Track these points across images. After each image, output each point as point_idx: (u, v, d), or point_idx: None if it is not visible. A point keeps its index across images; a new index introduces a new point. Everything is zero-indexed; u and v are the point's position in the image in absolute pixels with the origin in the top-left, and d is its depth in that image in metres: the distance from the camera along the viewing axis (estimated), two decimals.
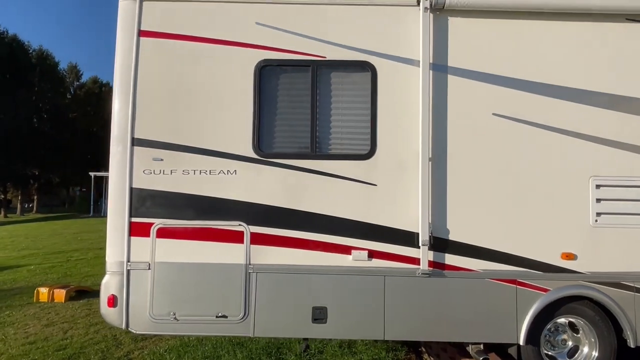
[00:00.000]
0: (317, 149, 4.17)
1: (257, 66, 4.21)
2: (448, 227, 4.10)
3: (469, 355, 4.80)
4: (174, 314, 4.04)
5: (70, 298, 9.03)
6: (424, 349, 6.11)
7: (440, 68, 4.19)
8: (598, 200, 4.11)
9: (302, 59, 4.22)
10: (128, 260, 4.08)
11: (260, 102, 4.19)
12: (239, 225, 4.10)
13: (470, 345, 4.25)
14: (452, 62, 4.20)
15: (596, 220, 4.10)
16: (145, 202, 4.13)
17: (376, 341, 6.22)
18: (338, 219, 4.10)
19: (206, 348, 6.24)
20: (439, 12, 4.20)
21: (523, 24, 4.20)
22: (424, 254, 4.03)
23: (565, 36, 4.20)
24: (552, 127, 4.14)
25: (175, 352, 6.16)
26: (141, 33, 4.24)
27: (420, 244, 4.03)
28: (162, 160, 4.15)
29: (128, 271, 4.08)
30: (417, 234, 4.06)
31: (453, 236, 4.09)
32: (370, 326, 4.06)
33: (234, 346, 6.25)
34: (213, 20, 4.25)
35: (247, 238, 4.09)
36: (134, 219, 4.12)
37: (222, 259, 4.08)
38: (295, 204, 4.12)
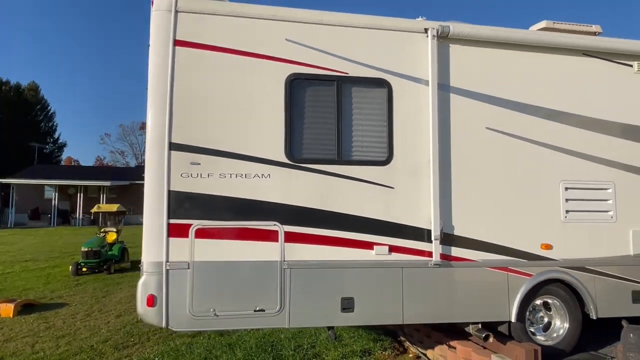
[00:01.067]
0: (342, 155, 4.64)
1: (287, 79, 4.59)
2: (453, 224, 4.78)
3: (458, 338, 5.48)
4: (214, 310, 4.24)
5: (18, 312, 8.50)
6: (403, 338, 6.76)
7: (444, 87, 4.89)
8: (567, 200, 5.05)
9: (328, 74, 4.68)
10: (167, 261, 4.22)
11: (291, 112, 4.57)
12: (274, 225, 4.43)
13: (470, 326, 4.93)
14: (453, 82, 4.92)
15: (566, 216, 5.03)
16: (183, 204, 4.30)
17: (361, 334, 6.75)
18: (362, 218, 4.60)
19: (199, 350, 6.35)
20: (443, 40, 4.90)
21: (511, 54, 5.06)
22: (436, 248, 4.67)
23: (543, 65, 5.12)
24: (532, 139, 5.03)
25: (167, 356, 6.21)
26: (177, 42, 4.43)
27: (433, 239, 4.66)
28: (199, 164, 4.36)
29: (167, 271, 4.21)
30: (430, 230, 4.68)
31: (458, 232, 4.78)
32: (391, 312, 4.59)
33: (228, 347, 6.43)
34: (246, 34, 4.57)
35: (281, 237, 4.43)
36: (172, 221, 4.27)
37: (258, 257, 4.38)
38: (323, 205, 4.55)
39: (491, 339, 4.69)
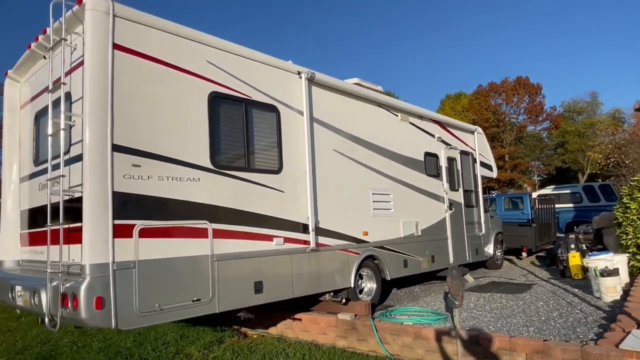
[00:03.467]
0: (249, 164, 5.61)
1: (209, 95, 5.26)
2: (319, 219, 6.42)
3: (300, 311, 7.02)
4: (159, 305, 4.47)
5: None
6: (237, 326, 7.80)
7: (311, 118, 6.52)
8: (374, 201, 7.47)
9: (237, 96, 5.59)
10: (114, 261, 4.21)
11: (213, 124, 5.25)
12: (205, 223, 5.00)
13: (326, 295, 6.61)
14: (316, 115, 6.62)
15: (373, 212, 7.43)
16: (126, 205, 4.38)
17: (204, 329, 7.39)
18: (265, 216, 5.68)
19: None
20: (310, 82, 6.54)
21: (349, 100, 7.17)
22: (312, 238, 6.19)
23: (360, 109, 7.46)
24: (358, 160, 7.25)
25: None
26: (115, 46, 4.47)
27: (310, 231, 6.16)
28: (140, 166, 4.52)
29: (114, 271, 4.20)
30: (308, 224, 6.17)
31: (322, 225, 6.45)
32: (286, 290, 5.81)
33: None
34: (176, 50, 5.01)
35: (210, 233, 5.03)
36: (117, 221, 4.28)
37: (193, 252, 4.86)
38: (239, 205, 5.40)
39: (343, 300, 6.51)
